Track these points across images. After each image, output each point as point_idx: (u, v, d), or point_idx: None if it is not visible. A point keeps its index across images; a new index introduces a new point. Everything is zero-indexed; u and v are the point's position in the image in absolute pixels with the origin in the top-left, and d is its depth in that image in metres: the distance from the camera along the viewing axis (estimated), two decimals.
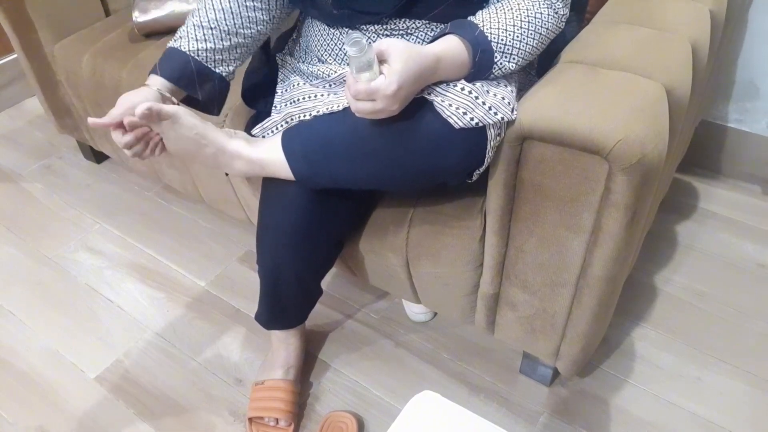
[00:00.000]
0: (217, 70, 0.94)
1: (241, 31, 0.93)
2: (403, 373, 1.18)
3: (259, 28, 0.95)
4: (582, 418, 1.09)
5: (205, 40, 0.92)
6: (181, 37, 0.93)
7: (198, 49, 0.92)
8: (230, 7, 0.92)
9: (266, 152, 0.88)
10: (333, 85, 0.91)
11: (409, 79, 0.73)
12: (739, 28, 1.36)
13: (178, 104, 0.91)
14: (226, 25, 0.92)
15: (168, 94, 0.90)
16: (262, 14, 0.94)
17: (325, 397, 1.15)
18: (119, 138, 0.85)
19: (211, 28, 0.92)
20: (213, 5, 0.93)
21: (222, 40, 0.92)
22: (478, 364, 1.18)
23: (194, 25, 0.93)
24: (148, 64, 1.29)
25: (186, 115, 0.84)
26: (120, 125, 0.84)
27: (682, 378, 1.14)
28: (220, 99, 0.97)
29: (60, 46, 1.45)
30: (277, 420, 1.08)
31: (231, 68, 0.96)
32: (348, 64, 0.93)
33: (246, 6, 0.93)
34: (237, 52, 0.95)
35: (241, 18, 0.93)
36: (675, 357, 1.17)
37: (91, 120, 0.81)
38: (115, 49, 1.36)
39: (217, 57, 0.93)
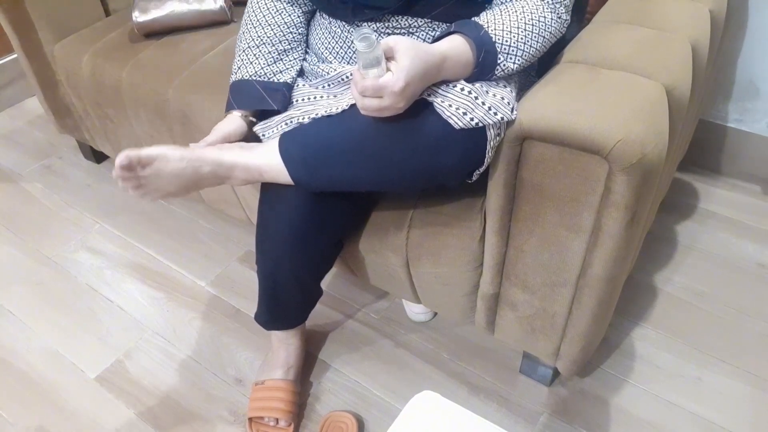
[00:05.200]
0: (281, 81, 0.96)
1: (285, 38, 0.96)
2: (403, 373, 1.18)
3: (300, 30, 0.98)
4: (582, 418, 1.09)
5: (257, 60, 0.96)
6: (239, 68, 0.97)
7: (256, 71, 0.95)
8: (266, 20, 0.95)
9: (264, 158, 0.88)
10: (332, 85, 0.92)
11: (416, 76, 0.73)
12: (739, 28, 1.36)
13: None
14: (268, 37, 0.95)
15: (252, 119, 0.96)
16: (298, 17, 0.97)
17: (325, 397, 1.15)
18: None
19: (258, 46, 0.96)
20: (252, 22, 0.96)
21: (271, 53, 0.96)
22: (478, 364, 1.18)
23: (243, 50, 0.97)
24: (148, 64, 1.29)
25: (168, 150, 0.85)
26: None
27: (682, 378, 1.14)
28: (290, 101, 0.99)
29: (60, 46, 1.45)
30: (277, 420, 1.08)
31: (292, 73, 0.98)
32: (349, 62, 0.93)
33: (278, 12, 0.96)
34: (290, 59, 0.98)
35: (280, 26, 0.96)
36: (675, 357, 1.17)
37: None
38: (115, 49, 1.37)
39: (275, 70, 0.96)
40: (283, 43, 0.96)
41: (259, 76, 0.95)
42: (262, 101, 0.94)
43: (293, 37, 0.97)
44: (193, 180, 0.87)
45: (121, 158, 0.81)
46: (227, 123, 0.94)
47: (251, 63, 0.95)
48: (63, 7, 1.46)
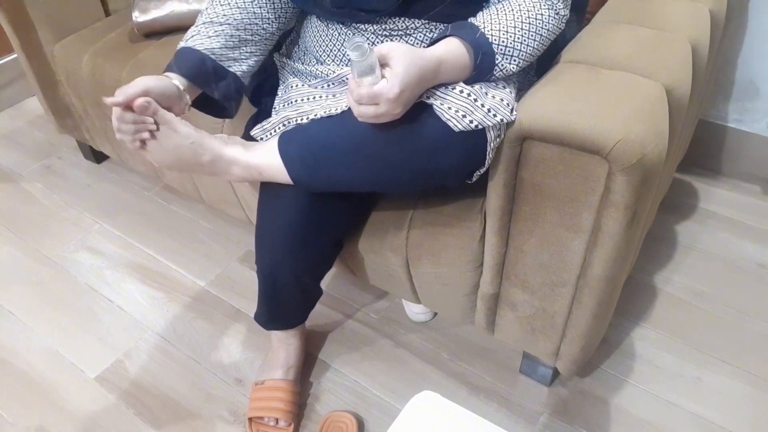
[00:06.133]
0: (231, 69, 0.94)
1: (249, 27, 0.94)
2: (403, 373, 1.18)
3: (265, 26, 0.95)
4: (582, 418, 1.09)
5: (217, 37, 0.92)
6: (192, 36, 0.92)
7: (212, 48, 0.91)
8: (237, 3, 0.93)
9: (263, 157, 0.87)
10: (332, 85, 0.91)
11: (412, 82, 0.73)
12: (739, 28, 1.36)
13: (189, 105, 0.91)
14: (234, 19, 0.92)
15: (183, 90, 0.89)
16: (268, 12, 0.95)
17: (325, 397, 1.15)
18: (119, 118, 0.83)
19: (221, 24, 0.92)
20: (220, 1, 0.93)
21: (232, 36, 0.93)
22: (478, 364, 1.18)
23: (204, 23, 0.93)
24: (148, 64, 1.29)
25: (180, 124, 0.84)
26: (128, 107, 0.82)
27: (682, 378, 1.14)
28: (237, 98, 0.97)
29: (60, 46, 1.45)
30: (277, 420, 1.08)
31: (244, 68, 0.95)
32: (347, 65, 0.93)
33: (252, 2, 0.93)
34: (248, 51, 0.95)
35: (248, 13, 0.93)
36: (675, 357, 1.17)
37: (108, 99, 0.81)
38: (115, 49, 1.37)
39: (229, 55, 0.93)
40: (246, 31, 0.94)
41: (213, 54, 0.92)
42: (206, 81, 0.91)
43: (256, 30, 0.94)
44: (189, 162, 0.87)
45: (141, 100, 0.80)
46: (155, 79, 0.85)
47: (210, 38, 0.92)
48: (63, 7, 1.46)
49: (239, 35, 0.93)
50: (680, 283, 1.31)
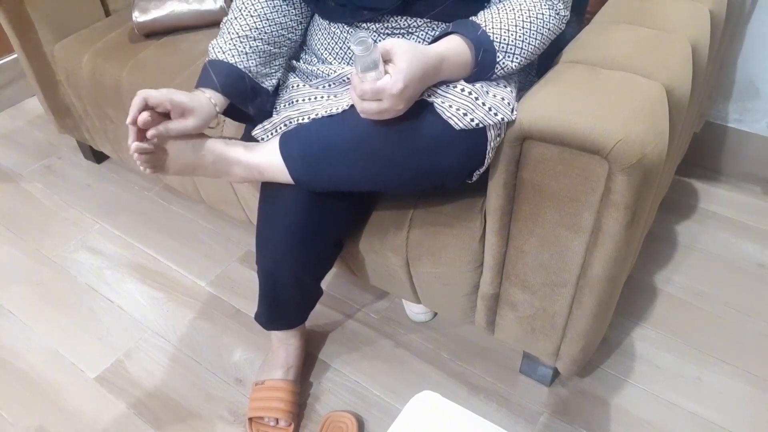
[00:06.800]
0: (264, 86, 0.94)
1: (277, 41, 0.94)
2: (403, 373, 1.18)
3: (289, 35, 0.96)
4: (582, 418, 1.09)
5: (253, 53, 0.91)
6: (229, 50, 0.91)
7: (250, 66, 0.91)
8: (265, 12, 0.92)
9: (264, 157, 0.88)
10: (332, 85, 0.91)
11: (415, 78, 0.73)
12: (739, 28, 1.36)
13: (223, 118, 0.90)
14: (265, 33, 0.92)
15: (215, 104, 0.88)
16: (291, 20, 0.95)
17: (325, 397, 1.15)
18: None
19: (254, 39, 0.91)
20: (247, 9, 0.92)
21: (264, 52, 0.93)
22: (478, 364, 1.18)
23: (238, 36, 0.91)
24: (148, 64, 1.29)
25: (180, 128, 0.85)
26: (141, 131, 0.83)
27: (682, 378, 1.14)
28: (264, 111, 0.97)
29: (60, 46, 1.45)
30: (277, 420, 1.09)
31: (273, 81, 0.96)
32: (349, 63, 0.93)
33: (275, 8, 0.93)
34: (276, 64, 0.96)
35: (275, 25, 0.93)
36: (675, 357, 1.17)
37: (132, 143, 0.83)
38: (115, 49, 1.37)
39: (262, 71, 0.94)
40: (275, 45, 0.94)
41: (251, 72, 0.92)
42: (243, 99, 0.91)
43: (283, 42, 0.95)
44: (192, 165, 0.88)
45: (144, 116, 0.81)
46: (191, 98, 0.84)
47: (246, 54, 0.91)
48: (63, 7, 1.46)
49: (269, 50, 0.93)
50: (680, 283, 1.31)
